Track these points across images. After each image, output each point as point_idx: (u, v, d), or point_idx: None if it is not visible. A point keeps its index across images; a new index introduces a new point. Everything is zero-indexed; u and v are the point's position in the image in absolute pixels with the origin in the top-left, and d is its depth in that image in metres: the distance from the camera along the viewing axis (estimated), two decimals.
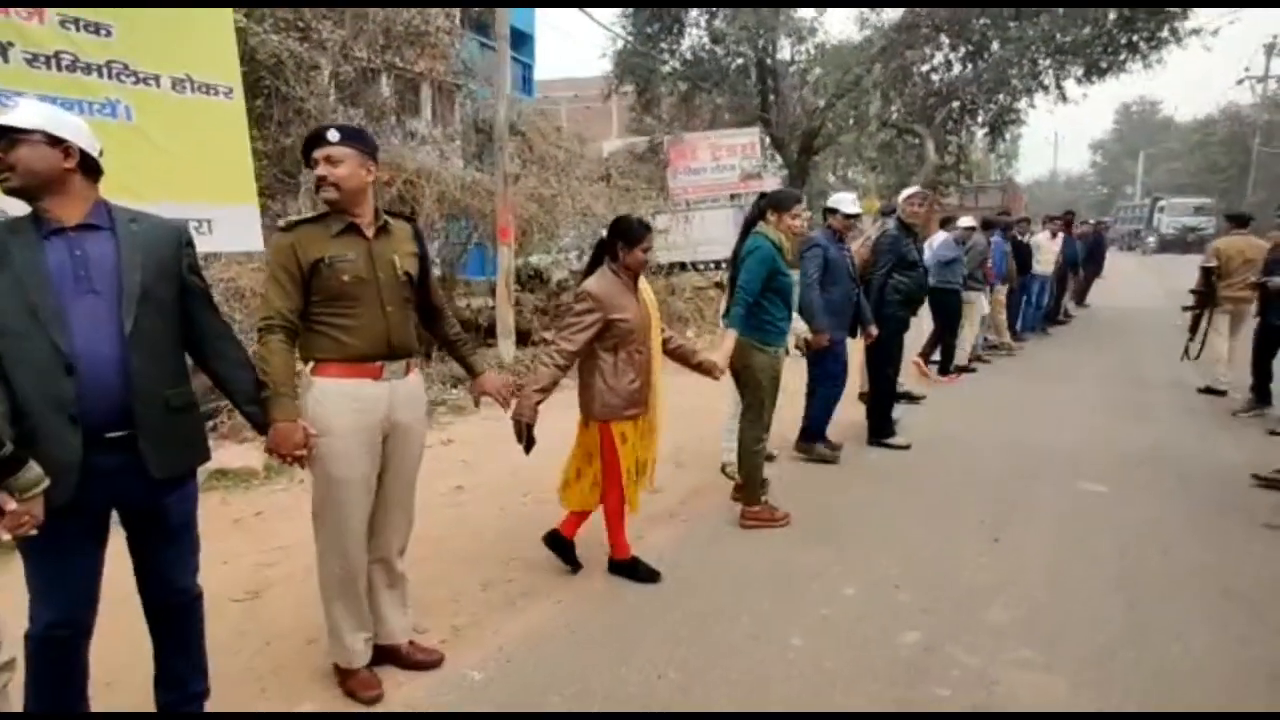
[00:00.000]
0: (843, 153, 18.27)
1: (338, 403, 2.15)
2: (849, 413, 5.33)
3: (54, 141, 1.73)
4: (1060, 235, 9.73)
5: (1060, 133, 67.41)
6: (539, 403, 2.77)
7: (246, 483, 4.20)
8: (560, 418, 3.29)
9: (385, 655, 2.46)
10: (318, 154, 2.13)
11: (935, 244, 6.98)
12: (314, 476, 2.21)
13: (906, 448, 5.00)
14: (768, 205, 3.70)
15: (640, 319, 2.92)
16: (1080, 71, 15.24)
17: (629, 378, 2.89)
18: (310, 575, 2.42)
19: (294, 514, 3.85)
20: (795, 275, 3.93)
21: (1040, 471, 4.55)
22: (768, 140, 17.29)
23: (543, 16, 23.70)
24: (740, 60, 16.69)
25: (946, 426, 5.60)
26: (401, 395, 2.27)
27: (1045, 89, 15.73)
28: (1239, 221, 6.60)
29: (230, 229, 4.15)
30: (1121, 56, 14.68)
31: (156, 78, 3.75)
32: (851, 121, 17.59)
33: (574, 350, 2.83)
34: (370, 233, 2.21)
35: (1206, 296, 6.45)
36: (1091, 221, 14.30)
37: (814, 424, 4.74)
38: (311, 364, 2.20)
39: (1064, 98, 15.96)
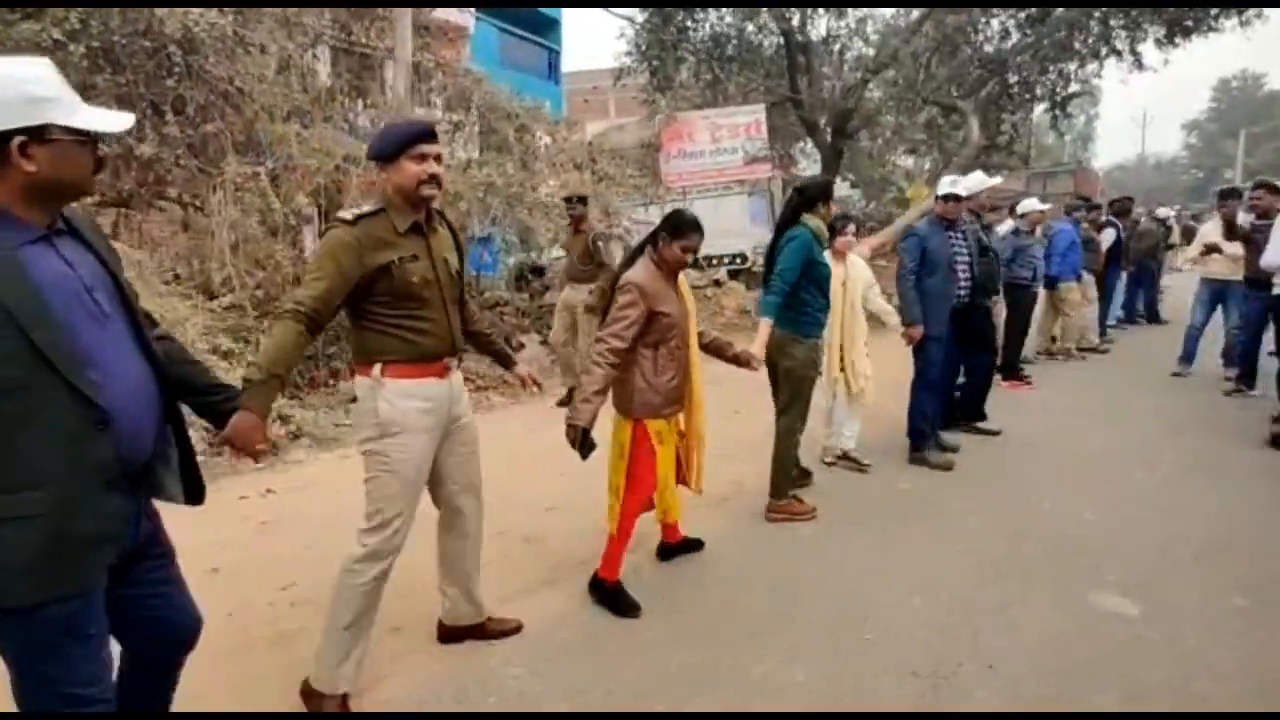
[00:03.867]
0: (879, 134, 16.46)
1: (411, 404, 2.12)
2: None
3: None
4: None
5: (1150, 112, 61.98)
6: (598, 407, 2.60)
7: None
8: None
9: (470, 633, 2.57)
10: (428, 150, 2.07)
11: (1000, 234, 6.30)
12: (377, 482, 2.14)
13: (998, 432, 5.07)
14: (812, 199, 3.61)
15: (681, 314, 2.79)
16: (1161, 32, 13.12)
17: (669, 375, 2.76)
18: None
19: None
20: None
21: (1044, 561, 3.14)
22: (795, 121, 15.70)
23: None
24: (773, 37, 15.16)
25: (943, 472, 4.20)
26: (458, 390, 2.30)
27: (1118, 54, 13.64)
28: None
29: None
30: (1213, 12, 12.52)
31: None
32: (891, 101, 15.81)
33: (625, 348, 2.65)
34: (427, 231, 2.18)
35: None
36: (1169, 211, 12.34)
37: (911, 427, 4.52)
38: (379, 366, 2.10)
39: (1140, 64, 13.82)
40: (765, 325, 3.45)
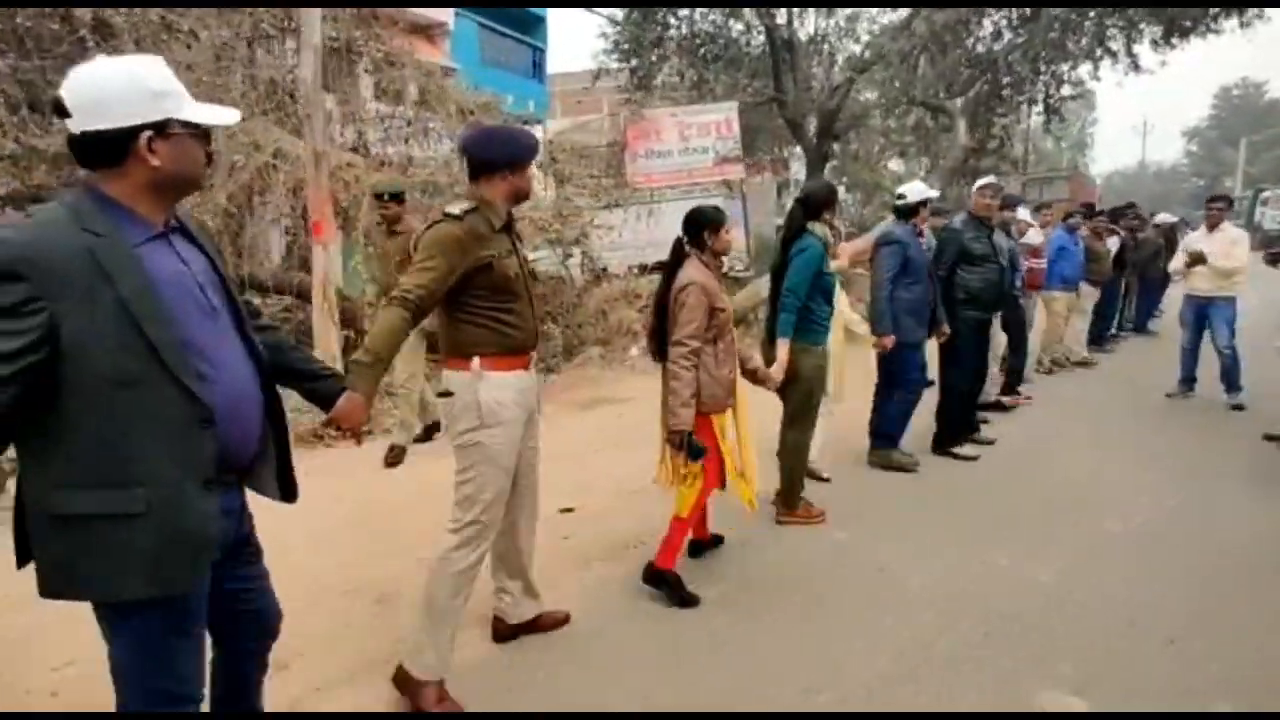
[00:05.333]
0: (866, 136, 15.91)
1: (508, 395, 2.19)
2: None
3: None
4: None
5: (1150, 120, 61.42)
6: (694, 411, 2.72)
7: None
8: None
9: (522, 629, 2.62)
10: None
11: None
12: (475, 471, 2.19)
13: (975, 459, 4.60)
14: (818, 208, 3.56)
15: (729, 309, 2.90)
16: (1158, 32, 12.59)
17: (728, 368, 2.88)
18: None
19: None
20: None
21: (989, 643, 2.60)
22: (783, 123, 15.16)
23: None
24: (759, 36, 14.64)
25: (885, 520, 3.65)
26: (537, 382, 2.38)
27: (1113, 55, 13.11)
28: None
29: None
30: (1211, 11, 11.99)
31: None
32: (884, 100, 15.29)
33: (700, 346, 2.75)
34: (512, 228, 2.28)
35: None
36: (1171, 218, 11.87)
37: (888, 427, 4.45)
38: (477, 359, 2.16)
39: (1136, 66, 13.29)
40: (784, 345, 3.43)
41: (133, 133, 1.30)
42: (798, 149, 18.18)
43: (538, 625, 2.65)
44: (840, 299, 4.17)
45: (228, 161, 6.93)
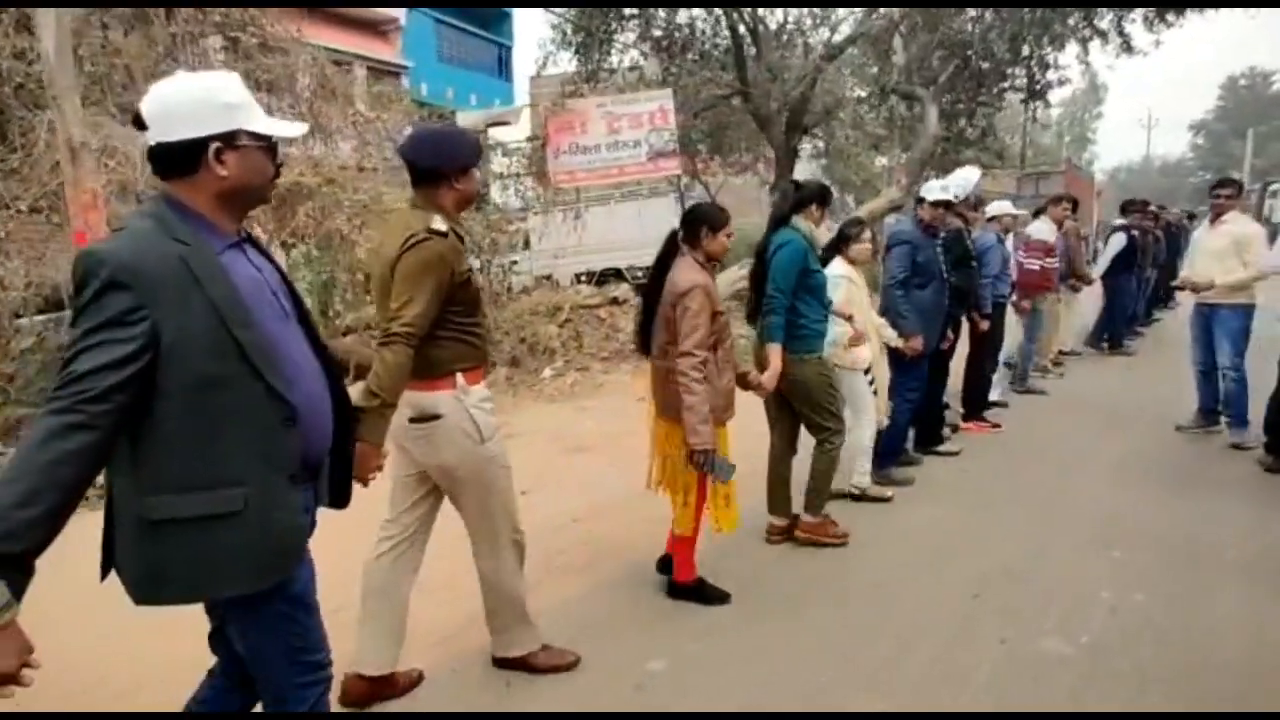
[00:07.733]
0: (843, 130, 14.83)
1: (489, 406, 2.15)
2: None
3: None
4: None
5: (1156, 114, 60.02)
6: (713, 425, 2.58)
7: None
8: None
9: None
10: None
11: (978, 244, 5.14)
12: (485, 490, 2.15)
13: (957, 453, 4.54)
14: (805, 199, 3.32)
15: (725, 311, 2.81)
16: (1151, 8, 11.49)
17: (726, 376, 2.73)
18: None
19: None
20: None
21: None
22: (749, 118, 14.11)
23: None
24: (724, 29, 13.63)
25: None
26: None
27: (1102, 35, 12.02)
28: None
29: None
30: None
31: None
32: (860, 87, 14.23)
33: (708, 356, 2.58)
34: None
35: None
36: (1180, 211, 10.89)
37: (892, 443, 4.12)
38: (459, 375, 2.07)
39: (1129, 47, 12.20)
40: (776, 351, 3.14)
41: (203, 144, 1.31)
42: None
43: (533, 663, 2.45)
44: (868, 304, 3.83)
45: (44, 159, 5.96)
